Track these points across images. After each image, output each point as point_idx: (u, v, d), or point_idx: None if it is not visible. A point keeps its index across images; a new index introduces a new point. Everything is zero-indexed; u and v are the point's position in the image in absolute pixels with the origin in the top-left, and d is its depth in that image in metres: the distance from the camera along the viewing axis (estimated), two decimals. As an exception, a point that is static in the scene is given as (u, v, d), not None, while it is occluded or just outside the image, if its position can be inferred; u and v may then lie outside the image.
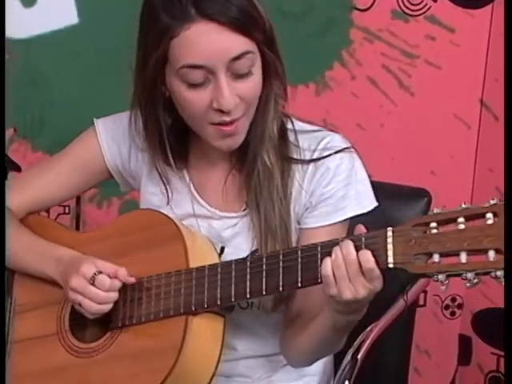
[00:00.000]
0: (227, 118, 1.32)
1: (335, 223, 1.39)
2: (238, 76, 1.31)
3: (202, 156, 1.44)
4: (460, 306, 2.36)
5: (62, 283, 1.39)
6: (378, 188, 1.44)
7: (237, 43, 1.29)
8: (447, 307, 2.36)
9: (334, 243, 1.26)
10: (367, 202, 1.40)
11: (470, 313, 2.34)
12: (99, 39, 2.08)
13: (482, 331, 2.34)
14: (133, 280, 1.36)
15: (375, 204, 1.41)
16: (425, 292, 2.30)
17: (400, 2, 2.18)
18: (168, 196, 1.45)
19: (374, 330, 1.52)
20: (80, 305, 1.35)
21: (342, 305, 1.26)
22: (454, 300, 2.36)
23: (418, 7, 2.19)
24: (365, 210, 1.39)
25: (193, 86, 1.31)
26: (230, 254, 1.40)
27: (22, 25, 2.03)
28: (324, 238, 1.32)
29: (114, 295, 1.35)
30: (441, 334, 2.39)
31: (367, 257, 1.22)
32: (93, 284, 1.34)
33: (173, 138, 1.41)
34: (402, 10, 2.18)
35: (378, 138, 2.21)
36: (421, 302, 2.30)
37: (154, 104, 1.37)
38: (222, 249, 1.41)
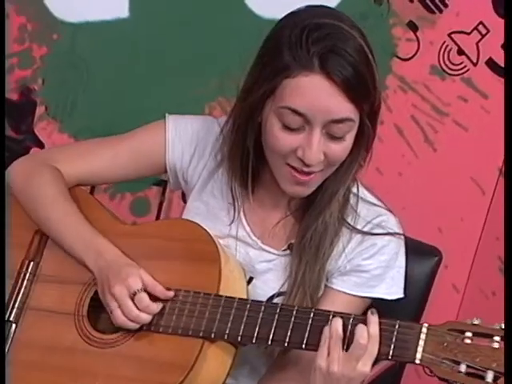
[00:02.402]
0: (305, 169, 1.35)
1: (359, 296, 1.42)
2: (332, 137, 1.33)
3: (269, 189, 1.45)
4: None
5: (98, 278, 1.39)
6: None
7: (343, 108, 1.31)
8: (438, 378, 2.36)
9: (364, 320, 1.27)
10: (396, 289, 1.43)
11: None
12: (144, 37, 2.11)
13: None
14: (171, 294, 1.36)
15: (401, 295, 1.43)
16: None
17: (441, 59, 2.20)
18: (234, 217, 1.45)
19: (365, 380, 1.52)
20: (111, 312, 1.36)
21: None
22: (435, 358, 2.36)
23: (458, 67, 2.21)
24: (390, 298, 1.42)
25: (287, 128, 1.33)
26: (257, 288, 1.42)
27: (73, 9, 2.07)
28: (342, 305, 1.38)
29: (145, 317, 1.35)
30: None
31: (375, 331, 1.25)
32: (132, 298, 1.35)
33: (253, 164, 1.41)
34: (441, 67, 2.20)
35: (393, 186, 2.22)
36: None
37: (247, 129, 1.38)
38: (251, 279, 1.43)
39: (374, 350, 1.26)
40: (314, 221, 1.40)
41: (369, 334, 1.26)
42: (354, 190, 1.44)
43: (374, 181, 1.51)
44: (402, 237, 1.44)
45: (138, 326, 1.36)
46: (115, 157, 1.52)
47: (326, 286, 1.43)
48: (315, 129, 1.32)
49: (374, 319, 1.27)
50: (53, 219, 1.47)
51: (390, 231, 1.42)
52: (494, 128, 2.25)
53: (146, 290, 1.36)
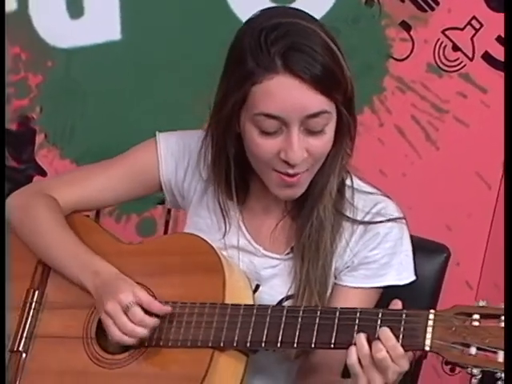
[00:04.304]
0: (291, 171, 1.34)
1: (371, 288, 1.41)
2: (311, 132, 1.32)
3: (259, 196, 1.45)
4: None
5: (95, 297, 1.39)
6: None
7: (315, 102, 1.30)
8: (447, 362, 2.35)
9: (374, 312, 1.27)
10: (407, 274, 1.42)
11: (469, 371, 2.34)
12: (138, 58, 2.12)
13: (479, 390, 2.33)
14: (168, 309, 1.35)
15: (413, 278, 1.42)
16: (427, 345, 2.29)
17: (436, 57, 2.20)
18: (225, 229, 1.45)
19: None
20: (107, 328, 1.36)
21: None
22: (455, 356, 2.35)
23: (454, 63, 2.21)
24: (402, 282, 1.41)
25: (265, 133, 1.32)
26: (265, 294, 1.42)
27: (66, 35, 2.08)
28: (356, 299, 1.37)
29: (141, 331, 1.34)
30: (439, 388, 2.39)
31: (387, 335, 1.23)
32: (125, 313, 1.34)
33: (237, 174, 1.42)
34: (438, 65, 2.20)
35: (398, 187, 2.19)
36: (422, 355, 2.31)
37: (226, 141, 1.38)
38: (257, 287, 1.42)
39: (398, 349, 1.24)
40: (308, 218, 1.39)
41: (384, 342, 1.24)
42: (348, 182, 1.43)
43: (378, 183, 1.49)
44: (404, 220, 1.43)
45: (135, 340, 1.35)
46: (109, 180, 1.52)
47: (336, 284, 1.42)
48: (293, 128, 1.31)
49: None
50: (50, 248, 1.47)
51: (391, 217, 1.41)
52: (495, 122, 2.24)
53: (142, 307, 1.35)
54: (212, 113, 1.39)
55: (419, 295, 1.44)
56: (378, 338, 1.24)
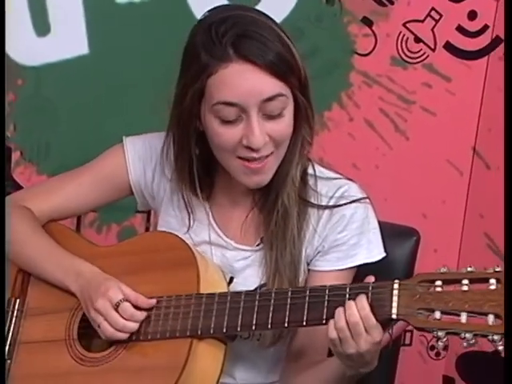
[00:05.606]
0: (256, 155, 1.37)
1: (344, 269, 1.45)
2: (270, 117, 1.36)
3: (226, 190, 1.48)
4: (445, 348, 2.39)
5: (80, 297, 1.42)
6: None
7: (271, 85, 1.34)
8: (432, 348, 2.40)
9: (342, 287, 1.31)
10: (377, 251, 1.46)
11: (454, 354, 2.37)
12: (107, 70, 2.12)
13: (465, 373, 2.37)
14: (154, 302, 1.38)
15: (383, 254, 1.46)
16: (411, 332, 2.33)
17: (399, 50, 2.24)
18: (189, 224, 1.49)
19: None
20: (99, 326, 1.39)
21: (348, 360, 1.31)
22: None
23: (417, 55, 2.25)
24: (373, 260, 1.45)
25: (225, 122, 1.36)
26: (239, 285, 1.44)
27: (34, 52, 2.08)
28: (331, 282, 1.38)
29: (132, 325, 1.38)
30: (425, 374, 2.41)
31: (363, 304, 1.27)
32: (116, 310, 1.37)
33: (201, 170, 1.45)
34: (401, 57, 2.24)
35: (372, 179, 2.24)
36: (407, 342, 2.34)
37: (188, 137, 1.41)
38: (231, 279, 1.45)
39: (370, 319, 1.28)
40: (274, 206, 1.43)
41: (358, 310, 1.28)
42: (311, 171, 1.46)
43: (351, 177, 1.52)
44: (368, 200, 1.46)
45: (127, 335, 1.38)
46: (79, 187, 1.55)
47: (310, 270, 1.46)
48: (252, 113, 1.35)
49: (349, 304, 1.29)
50: (30, 256, 1.50)
51: (354, 198, 1.44)
52: (461, 109, 2.29)
53: (128, 301, 1.38)
54: (171, 109, 1.42)
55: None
56: (355, 302, 1.28)
